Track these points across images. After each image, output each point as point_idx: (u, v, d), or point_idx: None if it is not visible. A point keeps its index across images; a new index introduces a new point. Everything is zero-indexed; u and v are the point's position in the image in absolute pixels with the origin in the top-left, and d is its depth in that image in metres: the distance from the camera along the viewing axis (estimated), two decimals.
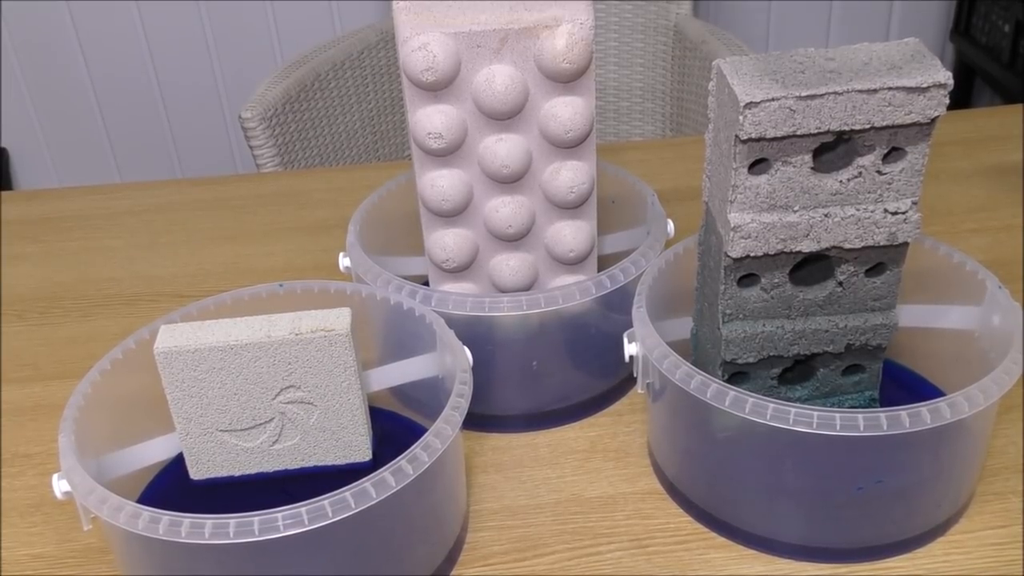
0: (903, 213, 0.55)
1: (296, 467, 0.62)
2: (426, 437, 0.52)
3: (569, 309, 0.65)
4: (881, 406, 0.62)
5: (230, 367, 0.58)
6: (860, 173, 0.54)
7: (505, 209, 0.67)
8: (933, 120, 0.52)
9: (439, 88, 0.62)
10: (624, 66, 1.59)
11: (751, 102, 0.50)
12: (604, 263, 0.70)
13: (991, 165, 0.98)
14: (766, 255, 0.56)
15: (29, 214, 0.99)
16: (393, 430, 0.67)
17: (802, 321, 0.59)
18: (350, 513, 0.49)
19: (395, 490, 0.50)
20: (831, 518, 0.58)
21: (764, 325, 0.59)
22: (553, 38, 0.60)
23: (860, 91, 0.50)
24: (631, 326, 0.61)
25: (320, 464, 0.63)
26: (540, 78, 0.62)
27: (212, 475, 0.62)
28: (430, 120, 0.63)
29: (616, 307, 0.67)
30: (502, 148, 0.64)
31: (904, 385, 0.68)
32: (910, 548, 0.59)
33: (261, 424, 0.60)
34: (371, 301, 0.65)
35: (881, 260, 0.58)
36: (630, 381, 0.71)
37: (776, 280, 0.58)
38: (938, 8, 2.03)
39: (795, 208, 0.55)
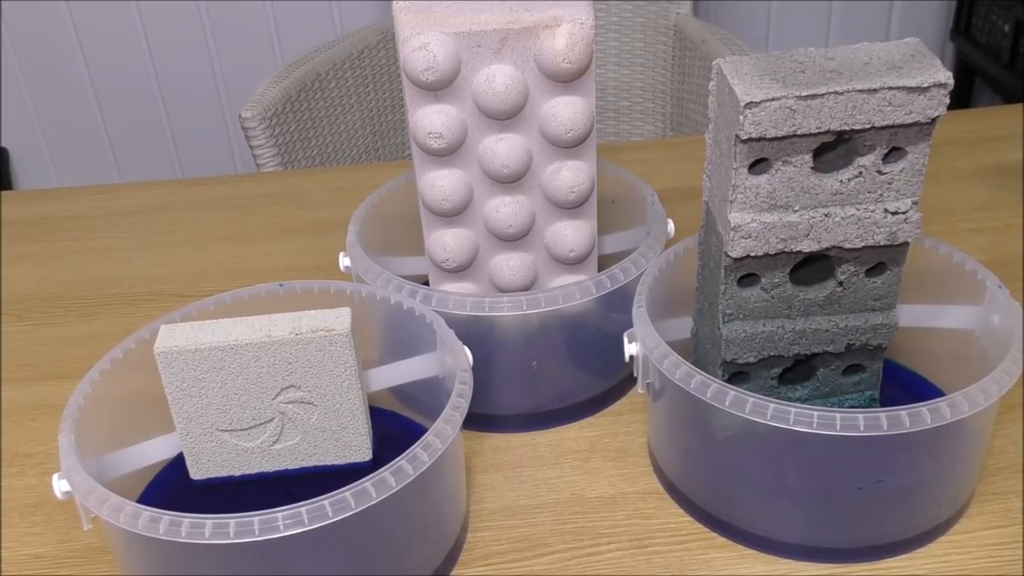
0: (903, 213, 0.55)
1: (296, 467, 0.62)
2: (426, 437, 0.52)
3: (569, 309, 0.65)
4: (881, 406, 0.62)
5: (230, 367, 0.58)
6: (860, 173, 0.54)
7: (505, 209, 0.67)
8: (933, 120, 0.52)
9: (439, 88, 0.62)
10: (624, 66, 1.59)
11: (751, 102, 0.50)
12: (604, 263, 0.70)
13: (991, 165, 0.98)
14: (766, 255, 0.56)
15: (29, 214, 0.99)
16: (393, 430, 0.67)
17: (802, 321, 0.59)
18: (350, 513, 0.49)
19: (395, 490, 0.50)
20: (831, 518, 0.58)
21: (764, 325, 0.59)
22: (553, 38, 0.60)
23: (860, 91, 0.50)
24: (631, 326, 0.61)
25: (320, 464, 0.63)
26: (540, 78, 0.62)
27: (212, 475, 0.62)
28: (430, 120, 0.63)
29: (616, 307, 0.67)
30: (502, 148, 0.64)
31: (904, 385, 0.68)
32: (910, 548, 0.59)
33: (261, 424, 0.60)
34: (371, 301, 0.65)
35: (881, 260, 0.58)
36: (630, 381, 0.71)
37: (776, 280, 0.58)
38: (938, 8, 2.03)
39: (795, 208, 0.55)
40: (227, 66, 1.95)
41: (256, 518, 0.48)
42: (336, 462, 0.63)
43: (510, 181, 0.66)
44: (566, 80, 0.62)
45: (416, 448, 0.52)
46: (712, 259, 0.60)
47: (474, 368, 0.59)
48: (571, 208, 0.68)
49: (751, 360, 0.60)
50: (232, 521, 0.48)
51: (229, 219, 0.96)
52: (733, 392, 0.54)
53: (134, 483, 0.62)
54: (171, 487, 0.63)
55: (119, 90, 1.96)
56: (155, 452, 0.64)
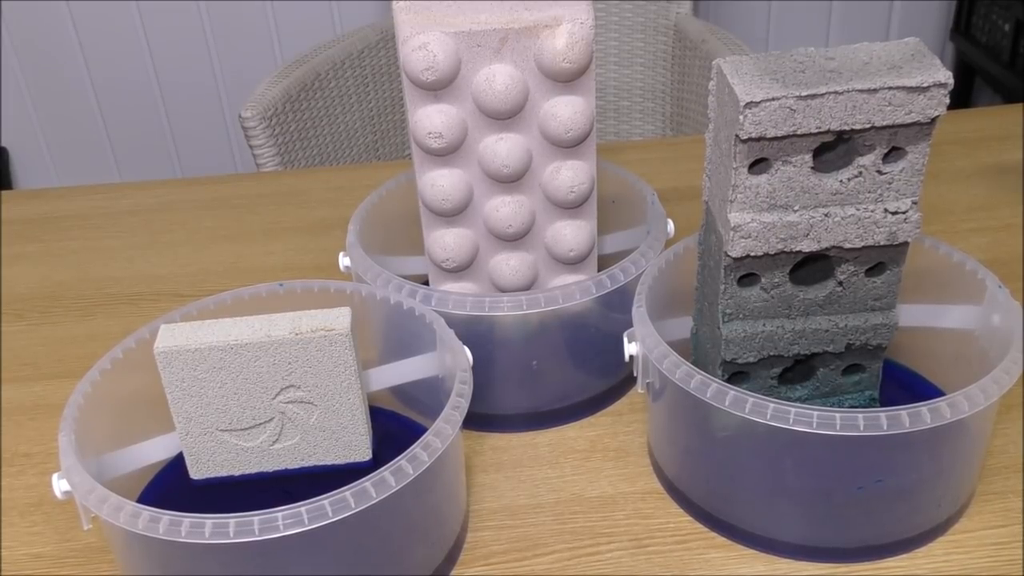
0: (903, 213, 0.55)
1: (296, 467, 0.62)
2: (426, 437, 0.52)
3: (569, 309, 0.65)
4: (881, 406, 0.62)
5: (230, 367, 0.58)
6: (860, 173, 0.54)
7: (505, 209, 0.67)
8: (933, 120, 0.52)
9: (439, 88, 0.62)
10: (624, 66, 1.59)
11: (751, 101, 0.50)
12: (604, 263, 0.70)
13: (991, 165, 0.98)
14: (766, 255, 0.56)
15: (29, 214, 0.99)
16: (393, 430, 0.67)
17: (802, 321, 0.59)
18: (350, 513, 0.49)
19: (395, 490, 0.50)
20: (831, 518, 0.58)
21: (764, 325, 0.59)
22: (553, 38, 0.60)
23: (860, 91, 0.50)
24: (631, 326, 0.61)
25: (320, 464, 0.63)
26: (540, 78, 0.62)
27: (212, 475, 0.62)
28: (430, 120, 0.63)
29: (616, 307, 0.67)
30: (502, 148, 0.64)
31: (904, 385, 0.68)
32: (910, 548, 0.59)
33: (261, 424, 0.60)
34: (371, 301, 0.65)
35: (881, 260, 0.58)
36: (630, 381, 0.71)
37: (776, 280, 0.58)
38: (938, 8, 2.03)
39: (795, 208, 0.55)
40: (227, 66, 1.95)
41: (256, 518, 0.48)
42: (336, 462, 0.63)
43: (510, 181, 0.66)
44: (566, 80, 0.62)
45: (416, 448, 0.52)
46: (712, 259, 0.60)
47: (474, 368, 0.59)
48: (571, 208, 0.68)
49: (751, 360, 0.60)
50: (232, 521, 0.48)
51: (229, 219, 0.96)
52: (733, 392, 0.54)
53: (134, 483, 0.62)
54: (171, 487, 0.63)
55: (119, 90, 1.96)
56: (155, 452, 0.64)
